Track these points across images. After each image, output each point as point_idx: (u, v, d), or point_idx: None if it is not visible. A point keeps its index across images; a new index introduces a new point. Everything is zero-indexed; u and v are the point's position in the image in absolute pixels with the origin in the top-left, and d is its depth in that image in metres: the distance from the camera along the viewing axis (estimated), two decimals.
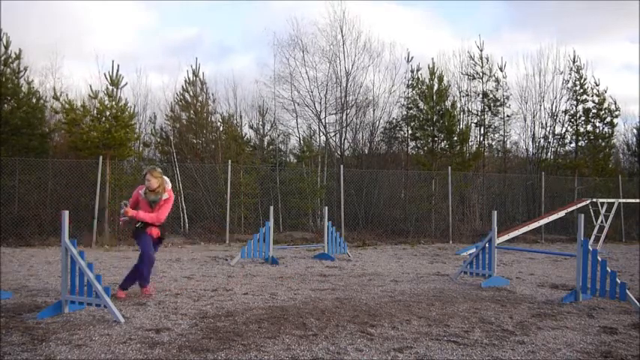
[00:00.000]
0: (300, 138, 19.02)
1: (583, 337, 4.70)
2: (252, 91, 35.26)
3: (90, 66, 34.52)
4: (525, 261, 10.76)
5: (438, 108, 17.15)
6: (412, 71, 18.14)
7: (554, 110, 19.41)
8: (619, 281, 5.96)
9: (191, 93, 16.78)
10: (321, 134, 19.06)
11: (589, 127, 18.62)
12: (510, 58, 41.43)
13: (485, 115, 18.79)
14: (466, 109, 18.95)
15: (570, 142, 19.15)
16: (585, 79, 18.72)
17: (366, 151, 19.77)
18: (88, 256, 6.97)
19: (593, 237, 13.62)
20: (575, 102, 18.74)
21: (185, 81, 16.74)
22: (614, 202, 14.30)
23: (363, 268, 9.28)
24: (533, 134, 19.66)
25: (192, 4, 44.65)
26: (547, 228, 16.07)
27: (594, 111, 18.51)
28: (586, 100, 18.62)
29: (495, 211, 7.99)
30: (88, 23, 36.96)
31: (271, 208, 10.26)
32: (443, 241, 15.16)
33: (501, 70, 18.79)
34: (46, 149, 14.36)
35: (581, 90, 18.66)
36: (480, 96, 18.79)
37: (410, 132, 18.21)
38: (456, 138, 17.28)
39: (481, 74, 18.74)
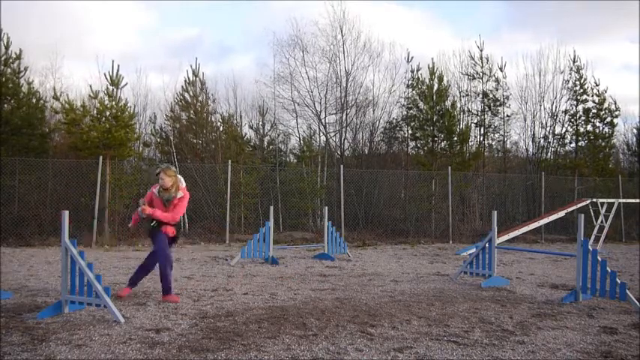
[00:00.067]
0: (300, 138, 19.05)
1: (583, 337, 4.70)
2: (252, 91, 35.29)
3: (90, 66, 34.59)
4: (525, 261, 10.76)
5: (438, 108, 17.15)
6: (412, 71, 18.16)
7: (554, 110, 19.43)
8: (619, 281, 5.96)
9: (191, 93, 16.78)
10: (321, 134, 19.08)
11: (589, 127, 18.62)
12: (510, 58, 41.53)
13: (485, 115, 18.79)
14: (466, 109, 18.96)
15: (570, 142, 19.17)
16: (585, 79, 18.73)
17: (366, 151, 19.78)
18: (88, 256, 6.98)
19: (593, 237, 13.62)
20: (575, 102, 18.74)
21: (185, 81, 16.76)
22: (614, 202, 14.30)
23: (363, 268, 9.28)
24: (533, 134, 19.67)
25: (192, 4, 44.68)
26: (547, 228, 16.07)
27: (594, 111, 18.51)
28: (586, 100, 18.63)
29: (495, 211, 7.99)
30: (88, 23, 37.00)
31: (271, 208, 10.26)
32: (443, 241, 15.16)
33: (501, 70, 18.80)
34: (46, 149, 14.36)
35: (581, 90, 18.66)
36: (480, 96, 18.80)
37: (410, 132, 18.21)
38: (455, 138, 17.28)
39: (481, 74, 18.74)
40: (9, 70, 13.79)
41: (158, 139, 17.35)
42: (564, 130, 19.08)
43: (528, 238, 15.45)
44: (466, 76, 19.08)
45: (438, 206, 16.47)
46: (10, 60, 13.85)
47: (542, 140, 19.59)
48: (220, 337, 4.39)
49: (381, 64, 23.67)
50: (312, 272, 8.52)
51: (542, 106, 19.60)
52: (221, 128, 17.18)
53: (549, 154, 19.60)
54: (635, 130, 21.15)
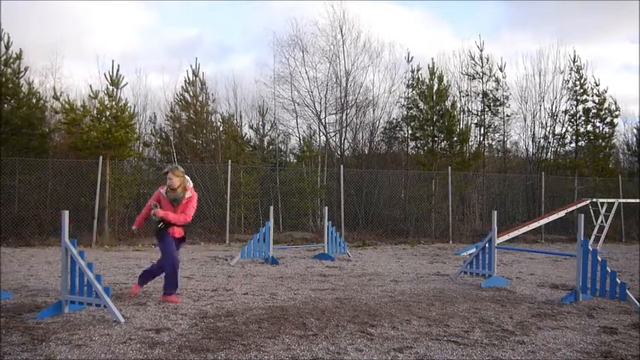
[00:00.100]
0: (300, 138, 19.05)
1: (583, 337, 4.70)
2: (252, 91, 35.26)
3: (90, 66, 34.59)
4: (525, 261, 10.76)
5: (437, 108, 17.16)
6: (412, 71, 18.16)
7: (554, 110, 19.43)
8: (619, 281, 5.97)
9: (191, 93, 16.78)
10: (321, 134, 19.09)
11: (589, 127, 18.62)
12: (510, 58, 41.57)
13: (485, 115, 18.79)
14: (466, 109, 18.96)
15: (570, 142, 19.16)
16: (585, 79, 18.73)
17: (366, 151, 19.78)
18: (88, 256, 6.98)
19: (593, 237, 13.62)
20: (575, 102, 18.74)
21: (185, 81, 16.75)
22: (614, 202, 14.30)
23: (363, 268, 9.28)
24: (533, 134, 19.67)
25: (192, 4, 44.68)
26: (547, 228, 16.07)
27: (594, 111, 18.51)
28: (586, 100, 18.62)
29: (495, 211, 7.99)
30: (88, 23, 37.00)
31: (271, 208, 10.26)
32: (443, 241, 15.16)
33: (501, 70, 18.80)
34: (46, 149, 14.36)
35: (581, 90, 18.66)
36: (480, 96, 18.80)
37: (410, 132, 18.21)
38: (455, 138, 17.28)
39: (481, 74, 18.74)
40: (9, 70, 13.79)
41: (158, 139, 17.35)
42: (564, 130, 19.10)
43: (528, 238, 15.45)
44: (466, 76, 19.10)
45: (438, 206, 16.47)
46: (11, 60, 13.85)
47: (542, 140, 19.61)
48: (220, 337, 4.39)
49: (381, 64, 23.70)
50: (312, 272, 8.52)
51: (542, 106, 19.62)
52: (221, 128, 17.18)
53: (549, 154, 19.60)
54: (635, 130, 21.16)
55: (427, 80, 17.38)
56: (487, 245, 7.57)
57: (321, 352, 4.06)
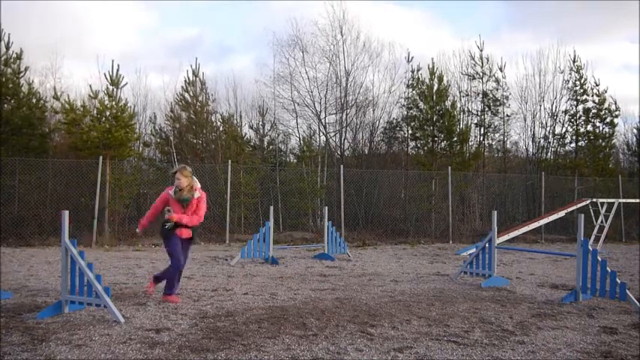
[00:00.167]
0: (300, 138, 19.05)
1: (583, 337, 4.70)
2: (252, 91, 35.26)
3: (90, 66, 34.59)
4: (525, 261, 10.76)
5: (437, 108, 17.15)
6: (412, 71, 18.17)
7: (554, 110, 19.43)
8: (619, 281, 5.96)
9: (191, 93, 16.78)
10: (321, 134, 19.09)
11: (589, 127, 18.61)
12: (510, 58, 41.49)
13: (485, 115, 18.79)
14: (466, 109, 18.96)
15: (570, 142, 19.16)
16: (585, 79, 18.72)
17: (366, 151, 19.78)
18: (88, 256, 6.98)
19: (593, 237, 13.62)
20: (575, 102, 18.74)
21: (185, 81, 16.75)
22: (614, 202, 14.30)
23: (363, 268, 9.28)
24: (533, 134, 19.67)
25: (192, 4, 44.68)
26: (547, 228, 16.07)
27: (594, 111, 18.51)
28: (586, 100, 18.62)
29: (495, 211, 7.99)
30: (88, 23, 37.00)
31: (271, 208, 10.26)
32: (443, 241, 15.16)
33: (501, 70, 18.79)
34: (46, 149, 14.37)
35: (581, 90, 18.66)
36: (480, 96, 18.80)
37: (410, 132, 18.21)
38: (455, 138, 17.28)
39: (481, 74, 18.74)
40: (9, 70, 13.79)
41: (158, 139, 17.35)
42: (564, 130, 19.09)
43: (528, 238, 15.45)
44: (466, 76, 19.10)
45: (438, 206, 16.47)
46: (11, 60, 13.85)
47: (542, 140, 19.61)
48: (220, 337, 4.39)
49: (381, 64, 23.74)
50: (312, 272, 8.52)
51: (542, 106, 19.62)
52: (221, 128, 17.18)
53: (549, 154, 19.60)
54: (635, 130, 21.15)
55: (427, 80, 17.38)
56: (487, 245, 7.57)
57: (321, 352, 4.06)
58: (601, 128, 18.63)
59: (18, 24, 30.87)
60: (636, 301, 5.88)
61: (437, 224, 16.20)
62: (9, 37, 13.86)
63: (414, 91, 17.71)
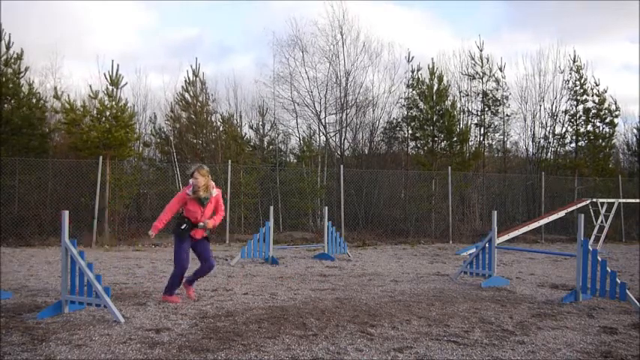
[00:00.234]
0: (300, 138, 19.05)
1: (583, 337, 4.70)
2: (252, 91, 35.28)
3: (90, 66, 34.63)
4: (525, 261, 10.76)
5: (437, 108, 17.15)
6: (412, 71, 18.17)
7: (554, 110, 19.43)
8: (619, 281, 5.96)
9: (191, 93, 16.77)
10: (321, 134, 19.09)
11: (589, 127, 18.61)
12: (510, 58, 41.53)
13: (485, 115, 18.79)
14: (466, 109, 18.96)
15: (570, 142, 19.15)
16: (585, 79, 18.72)
17: (366, 151, 19.78)
18: (88, 256, 6.98)
19: (593, 237, 13.61)
20: (575, 102, 18.73)
21: (185, 81, 16.74)
22: (614, 202, 14.30)
23: (363, 268, 9.28)
24: (533, 134, 19.67)
25: (192, 4, 44.68)
26: (547, 228, 16.07)
27: (594, 111, 18.51)
28: (586, 100, 18.62)
29: (495, 211, 7.98)
30: (88, 23, 37.00)
31: (271, 208, 10.26)
32: (443, 241, 15.16)
33: (501, 70, 18.79)
34: (46, 149, 14.37)
35: (582, 90, 18.65)
36: (480, 96, 18.80)
37: (410, 132, 18.21)
38: (455, 138, 17.28)
39: (481, 74, 18.74)
40: (10, 71, 13.79)
41: (158, 139, 17.35)
42: (564, 130, 19.09)
43: (528, 238, 15.45)
44: (466, 76, 19.10)
45: (438, 206, 16.47)
46: (12, 60, 13.85)
47: (542, 140, 19.60)
48: (220, 337, 4.39)
49: (381, 64, 23.78)
50: (312, 272, 8.52)
51: (542, 106, 19.62)
52: (221, 128, 17.18)
53: (549, 154, 19.60)
54: (635, 130, 21.14)
55: (427, 80, 17.38)
56: (487, 245, 7.57)
57: (321, 352, 4.06)
58: (601, 128, 18.63)
59: (18, 24, 30.90)
60: (636, 301, 5.87)
61: (437, 224, 16.20)
62: (9, 37, 13.88)
63: (414, 91, 17.71)
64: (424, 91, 17.33)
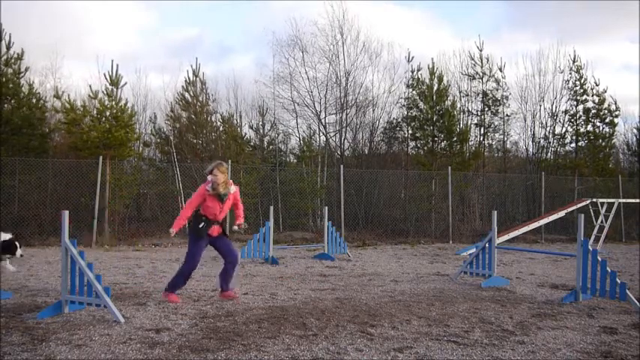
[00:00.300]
0: (300, 138, 19.05)
1: (583, 337, 4.70)
2: (252, 91, 35.23)
3: (90, 66, 34.60)
4: (525, 261, 10.76)
5: (437, 108, 17.15)
6: (412, 71, 18.17)
7: (554, 110, 19.42)
8: (619, 281, 5.96)
9: (191, 93, 16.76)
10: (321, 134, 19.09)
11: (589, 127, 18.60)
12: (510, 58, 41.51)
13: (485, 115, 18.79)
14: (466, 109, 18.95)
15: (570, 142, 19.14)
16: (585, 79, 18.71)
17: (366, 151, 19.78)
18: (88, 256, 6.98)
19: (593, 237, 13.61)
20: (575, 102, 18.73)
21: (185, 81, 16.73)
22: (614, 202, 14.29)
23: (363, 268, 9.28)
24: (533, 134, 19.66)
25: (192, 4, 44.65)
26: (547, 228, 16.07)
27: (594, 111, 18.50)
28: (586, 100, 18.61)
29: (495, 211, 7.98)
30: (88, 23, 36.97)
31: (271, 208, 10.27)
32: (443, 241, 15.16)
33: (501, 70, 18.78)
34: (46, 149, 14.37)
35: (581, 90, 18.65)
36: (480, 96, 18.80)
37: (410, 132, 18.21)
38: (455, 138, 17.28)
39: (481, 74, 18.73)
40: (10, 71, 13.79)
41: (158, 139, 17.35)
42: (564, 130, 19.08)
43: (528, 238, 15.45)
44: (466, 76, 19.09)
45: (438, 206, 16.47)
46: (12, 60, 13.85)
47: (542, 140, 19.60)
48: (220, 337, 4.39)
49: (381, 64, 23.71)
50: (312, 272, 8.52)
51: (542, 106, 19.61)
52: (221, 128, 17.18)
53: (549, 154, 19.59)
54: (635, 130, 21.13)
55: (427, 80, 17.37)
56: (487, 245, 7.57)
57: (321, 352, 4.06)
58: (601, 128, 18.62)
59: (18, 24, 30.88)
60: (636, 301, 5.87)
61: (437, 224, 16.20)
62: (10, 37, 13.87)
63: (414, 91, 17.70)
64: (424, 91, 17.32)
